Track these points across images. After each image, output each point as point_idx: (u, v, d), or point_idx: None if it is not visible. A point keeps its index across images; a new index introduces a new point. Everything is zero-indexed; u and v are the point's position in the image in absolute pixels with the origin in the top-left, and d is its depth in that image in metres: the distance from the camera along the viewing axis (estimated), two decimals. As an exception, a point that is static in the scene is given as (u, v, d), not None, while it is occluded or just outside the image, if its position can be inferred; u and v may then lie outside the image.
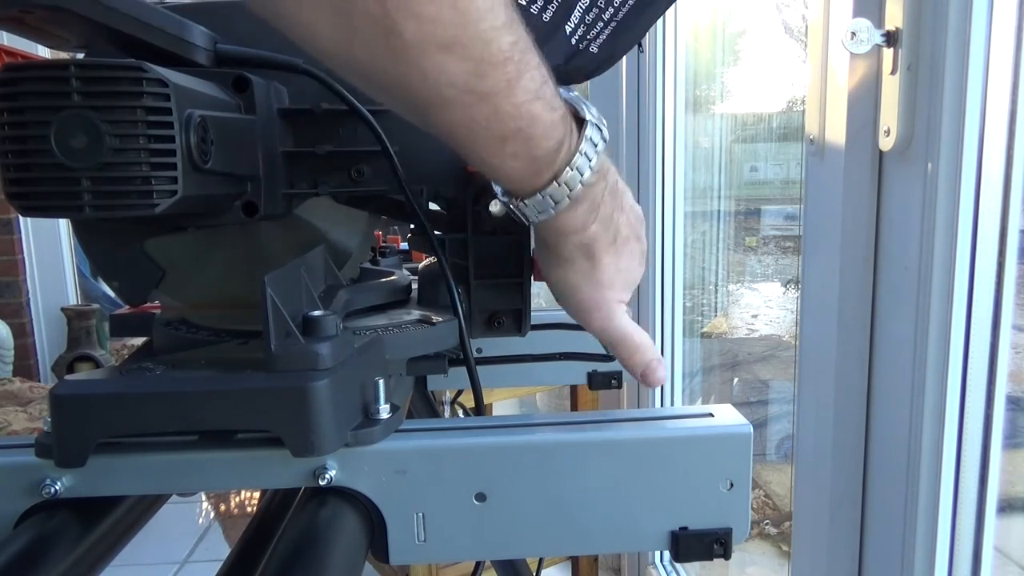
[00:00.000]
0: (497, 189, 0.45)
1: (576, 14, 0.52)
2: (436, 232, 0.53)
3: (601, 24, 0.52)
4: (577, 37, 0.52)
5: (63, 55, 0.46)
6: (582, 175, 0.41)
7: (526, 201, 0.42)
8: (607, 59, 0.53)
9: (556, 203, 0.41)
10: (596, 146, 0.42)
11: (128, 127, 0.36)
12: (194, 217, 0.47)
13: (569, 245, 0.45)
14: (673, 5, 0.54)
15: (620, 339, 0.47)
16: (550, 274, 0.47)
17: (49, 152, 0.35)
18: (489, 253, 0.54)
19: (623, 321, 0.47)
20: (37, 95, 0.35)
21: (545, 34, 0.52)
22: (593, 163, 0.42)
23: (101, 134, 0.35)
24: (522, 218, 0.43)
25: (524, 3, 0.51)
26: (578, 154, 0.41)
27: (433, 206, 0.55)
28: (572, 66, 0.53)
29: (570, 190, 0.41)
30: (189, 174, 0.38)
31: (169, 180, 0.37)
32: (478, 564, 0.55)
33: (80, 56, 0.44)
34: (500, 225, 0.53)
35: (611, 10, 0.52)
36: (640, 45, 0.50)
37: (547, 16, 0.51)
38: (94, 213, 0.36)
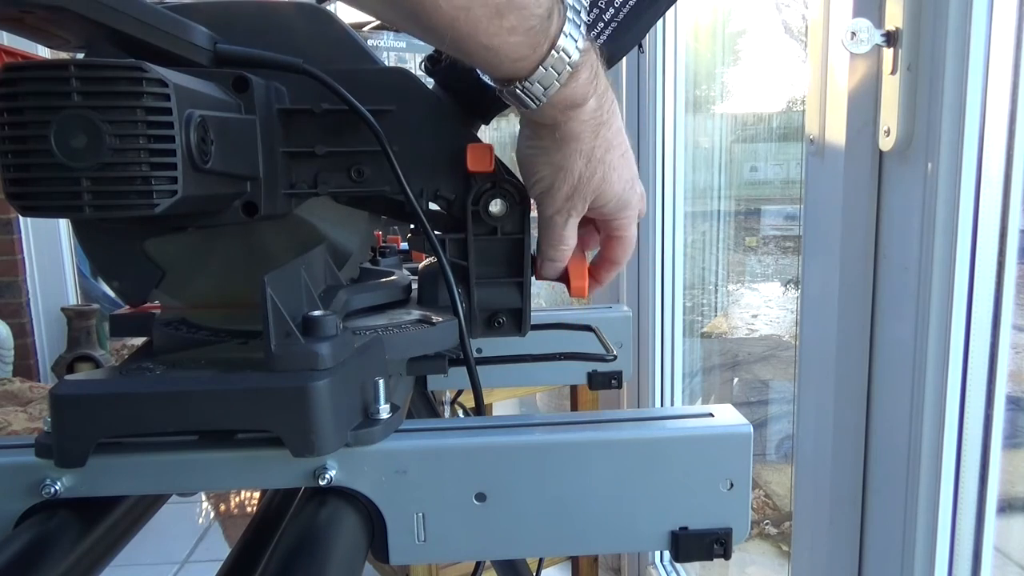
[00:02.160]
0: (506, 92, 0.46)
1: None
2: (436, 232, 0.53)
3: (602, 24, 0.53)
4: None
5: (63, 55, 0.46)
6: (576, 41, 0.44)
7: (531, 79, 0.44)
8: (608, 59, 0.53)
9: (559, 73, 0.44)
10: (579, 12, 0.45)
11: (128, 127, 0.36)
12: (194, 217, 0.47)
13: (572, 122, 0.47)
14: (673, 6, 0.54)
15: (556, 233, 0.52)
16: (533, 157, 0.50)
17: (49, 152, 0.35)
18: (489, 253, 0.54)
19: (573, 222, 0.52)
20: (37, 95, 0.35)
21: None
22: (581, 28, 0.45)
23: (101, 134, 0.35)
24: (530, 100, 0.46)
25: None
26: (567, 21, 0.44)
27: (433, 206, 0.55)
28: None
29: (569, 57, 0.44)
30: (189, 174, 0.38)
31: (169, 180, 0.37)
32: (478, 564, 0.55)
33: (80, 56, 0.44)
34: (500, 225, 0.53)
35: (611, 11, 0.52)
36: (640, 45, 0.50)
37: None
38: (94, 213, 0.36)
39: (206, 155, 0.39)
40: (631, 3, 0.53)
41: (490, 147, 0.51)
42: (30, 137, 0.35)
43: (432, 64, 0.54)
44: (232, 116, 0.45)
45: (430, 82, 0.55)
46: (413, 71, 0.54)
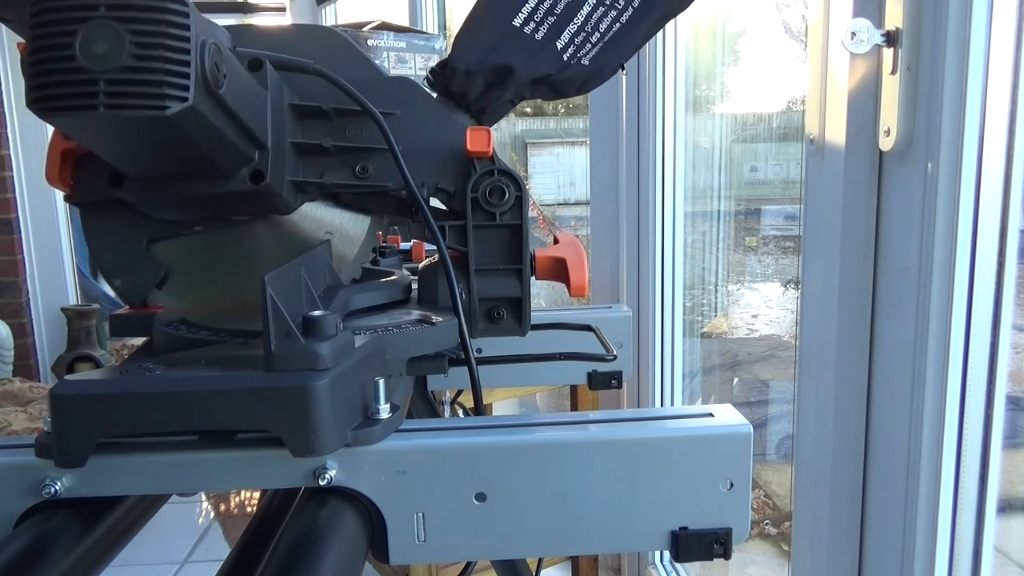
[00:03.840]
0: None
1: (566, 35, 0.55)
2: (437, 223, 0.54)
3: (589, 45, 0.56)
4: (568, 55, 0.56)
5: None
6: None
7: None
8: (597, 72, 0.57)
9: None
10: None
11: (148, 37, 0.37)
12: (203, 177, 0.48)
13: None
14: (661, 30, 0.58)
15: None
16: None
17: (72, 58, 0.37)
18: (488, 241, 0.55)
19: None
20: (66, 8, 0.37)
21: (536, 48, 0.55)
22: None
23: (123, 42, 0.37)
24: None
25: (517, 24, 0.55)
26: None
27: (434, 202, 0.56)
28: (565, 76, 0.56)
29: None
30: (201, 91, 0.39)
31: (181, 87, 0.38)
32: (468, 564, 0.55)
33: None
34: (498, 213, 0.54)
35: (598, 33, 0.56)
36: (623, 67, 0.54)
37: (539, 35, 0.55)
38: (108, 112, 0.37)
39: (219, 81, 0.41)
40: (615, 28, 0.55)
41: (488, 130, 0.53)
42: (55, 45, 0.37)
43: (434, 76, 0.57)
44: (245, 73, 0.46)
45: (433, 94, 0.57)
46: (413, 73, 0.56)
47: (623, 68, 0.58)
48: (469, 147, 0.52)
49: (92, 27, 0.37)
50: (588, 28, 0.55)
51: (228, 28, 0.51)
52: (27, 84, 0.38)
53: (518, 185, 0.54)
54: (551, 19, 0.55)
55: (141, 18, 0.37)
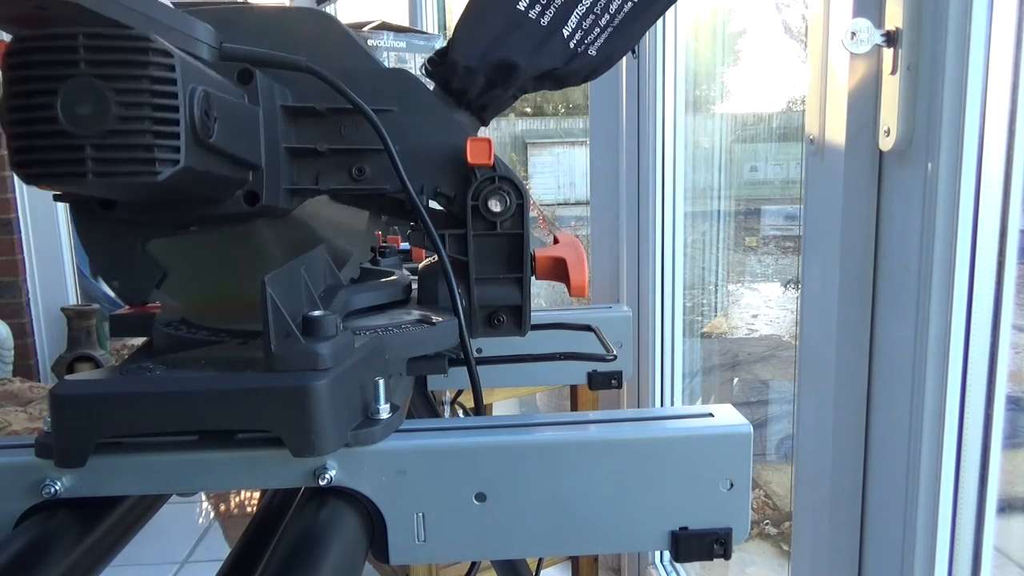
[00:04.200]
0: None
1: (573, 19, 0.52)
2: (436, 230, 0.54)
3: (598, 29, 0.53)
4: (575, 41, 0.53)
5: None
6: None
7: None
8: (605, 61, 0.54)
9: None
10: None
11: (133, 95, 0.36)
12: (196, 204, 0.48)
13: None
14: (670, 9, 0.55)
15: None
16: None
17: (55, 119, 0.35)
18: (489, 250, 0.54)
19: None
20: (45, 64, 0.35)
21: (543, 37, 0.52)
22: None
23: (107, 102, 0.35)
24: None
25: (522, 8, 0.52)
26: None
27: (433, 204, 0.55)
28: (570, 69, 0.54)
29: None
30: (192, 147, 0.38)
31: (172, 150, 0.37)
32: (473, 564, 0.55)
33: None
34: (499, 221, 0.53)
35: (607, 16, 0.52)
36: (634, 50, 0.51)
37: (544, 21, 0.52)
38: (97, 180, 0.36)
39: (209, 130, 0.40)
40: (628, 7, 0.53)
41: (489, 140, 0.52)
42: (37, 105, 0.35)
43: (432, 66, 0.54)
44: (236, 101, 0.45)
45: (430, 84, 0.55)
46: (414, 72, 0.54)
47: (634, 52, 0.56)
48: (470, 159, 0.51)
49: (74, 86, 0.35)
50: (597, 10, 0.52)
51: (217, 11, 0.50)
52: (9, 144, 0.36)
53: (519, 192, 0.53)
54: (558, 1, 0.52)
55: (125, 75, 0.36)
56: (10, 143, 0.36)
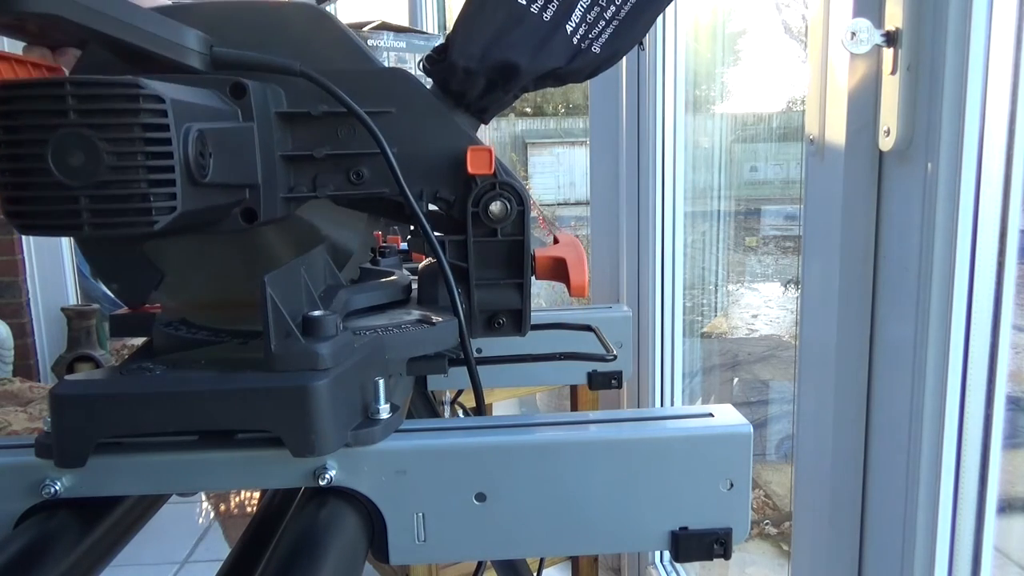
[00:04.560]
0: None
1: (577, 13, 0.51)
2: (436, 234, 0.53)
3: (603, 23, 0.52)
4: (579, 37, 0.52)
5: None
6: None
7: None
8: (609, 58, 0.53)
9: None
10: None
11: (125, 144, 0.35)
12: (193, 227, 0.47)
13: None
14: (673, 3, 0.54)
15: None
16: None
17: (47, 170, 0.35)
18: (489, 255, 0.54)
19: None
20: (33, 113, 0.35)
21: (546, 34, 0.51)
22: None
23: (98, 152, 0.35)
24: None
25: (524, 2, 0.51)
26: None
27: (433, 208, 0.55)
28: (573, 67, 0.53)
29: None
30: (187, 189, 0.38)
31: (168, 196, 0.37)
32: (480, 564, 0.55)
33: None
34: (500, 227, 0.53)
35: (612, 9, 0.52)
36: (641, 44, 0.49)
37: (547, 16, 0.51)
38: (93, 231, 0.36)
39: (204, 169, 0.39)
40: (632, 2, 0.52)
41: (490, 149, 0.51)
42: (27, 155, 0.35)
43: (431, 64, 0.53)
44: (230, 126, 0.44)
45: (429, 82, 0.55)
46: (412, 71, 0.54)
47: (642, 45, 0.54)
48: (470, 169, 0.50)
49: (64, 136, 0.34)
50: (603, 2, 0.51)
51: (209, 8, 0.49)
52: (1, 194, 0.36)
53: (520, 199, 0.52)
54: None
55: (116, 124, 0.35)
56: (2, 193, 0.36)
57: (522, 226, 0.53)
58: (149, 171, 0.36)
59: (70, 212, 0.35)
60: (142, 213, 0.36)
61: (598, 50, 0.52)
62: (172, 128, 0.36)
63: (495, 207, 0.52)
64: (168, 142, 0.36)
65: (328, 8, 0.54)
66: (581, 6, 0.51)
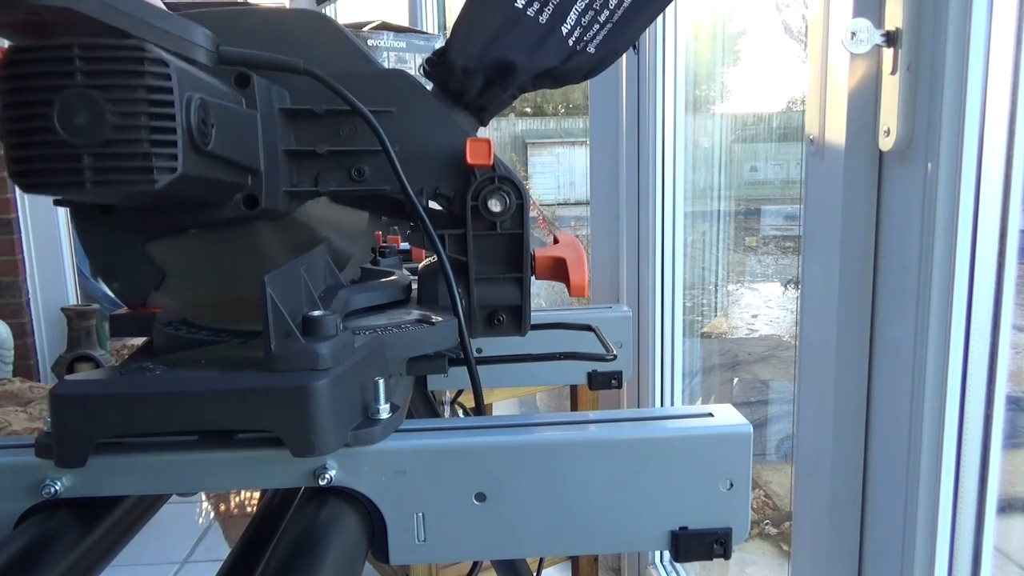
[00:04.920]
0: None
1: (572, 16, 0.52)
2: (436, 230, 0.53)
3: (597, 26, 0.53)
4: (574, 39, 0.53)
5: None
6: None
7: None
8: (604, 59, 0.54)
9: None
10: None
11: (129, 105, 0.36)
12: (195, 210, 0.48)
13: None
14: (670, 5, 0.55)
15: None
16: None
17: (52, 130, 0.35)
18: (488, 249, 0.54)
19: None
20: (41, 75, 0.36)
21: (542, 35, 0.52)
22: None
23: (103, 112, 0.35)
24: None
25: (520, 6, 0.51)
26: None
27: (433, 205, 0.55)
28: (569, 66, 0.53)
29: None
30: (189, 154, 0.38)
31: (169, 157, 0.37)
32: (475, 564, 0.55)
33: None
34: (499, 221, 0.53)
35: (606, 12, 0.52)
36: (635, 46, 0.50)
37: (543, 18, 0.52)
38: (95, 189, 0.36)
39: (207, 137, 0.40)
40: (626, 3, 0.53)
41: (489, 141, 0.52)
42: (33, 115, 0.36)
43: (430, 66, 0.54)
44: (234, 107, 0.45)
45: (429, 84, 0.55)
46: (412, 72, 0.54)
47: (635, 48, 0.55)
48: (469, 160, 0.51)
49: (70, 97, 0.35)
50: (597, 6, 0.52)
51: (214, 13, 0.50)
52: (7, 153, 0.36)
53: (519, 192, 0.53)
54: None
55: (121, 85, 0.36)
56: (8, 152, 0.36)
57: (521, 220, 0.54)
58: (152, 131, 0.36)
59: (73, 170, 0.36)
60: (144, 172, 0.37)
61: (593, 51, 0.53)
62: (176, 91, 0.37)
63: (494, 200, 0.53)
64: (171, 104, 0.37)
65: (328, 8, 0.55)
66: (576, 9, 0.52)
